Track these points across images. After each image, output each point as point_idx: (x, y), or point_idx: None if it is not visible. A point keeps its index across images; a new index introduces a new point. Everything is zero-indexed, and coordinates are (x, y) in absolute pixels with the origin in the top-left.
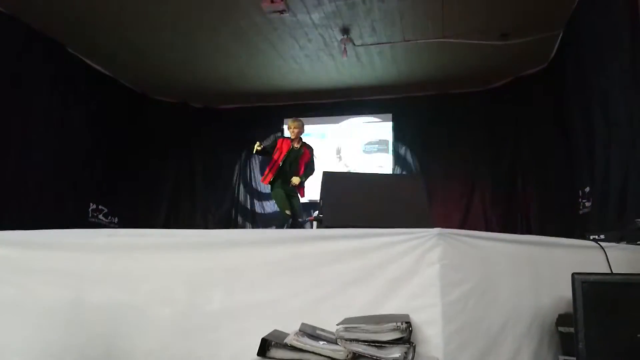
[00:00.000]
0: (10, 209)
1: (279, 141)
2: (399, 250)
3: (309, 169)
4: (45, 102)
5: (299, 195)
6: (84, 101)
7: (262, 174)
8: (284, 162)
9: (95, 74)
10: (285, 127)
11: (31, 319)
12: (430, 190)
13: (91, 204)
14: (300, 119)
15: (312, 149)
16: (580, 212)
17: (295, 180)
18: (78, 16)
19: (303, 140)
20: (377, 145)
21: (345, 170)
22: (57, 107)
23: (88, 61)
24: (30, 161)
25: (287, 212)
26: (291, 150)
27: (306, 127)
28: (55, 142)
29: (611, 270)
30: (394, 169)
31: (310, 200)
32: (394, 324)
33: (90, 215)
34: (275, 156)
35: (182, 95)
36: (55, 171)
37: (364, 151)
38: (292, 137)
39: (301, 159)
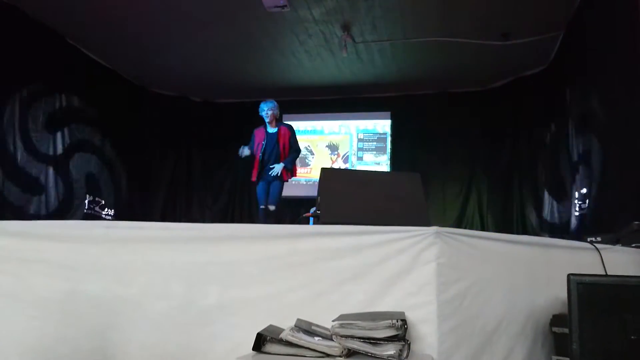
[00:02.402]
0: (6, 200)
1: (256, 134)
2: (395, 248)
3: (293, 151)
4: (43, 93)
5: (282, 179)
6: (82, 93)
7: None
8: (263, 153)
9: (94, 66)
10: (263, 113)
11: (26, 310)
12: (427, 188)
13: (88, 196)
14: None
15: (291, 127)
16: (577, 213)
17: (278, 168)
18: (78, 7)
19: (279, 122)
20: (375, 143)
21: (343, 167)
22: (55, 98)
23: (87, 53)
24: (27, 152)
25: (262, 206)
26: (267, 136)
27: (305, 123)
28: (52, 133)
29: (606, 272)
30: (391, 167)
31: (305, 196)
32: (390, 321)
33: (86, 207)
34: (257, 151)
35: (182, 89)
36: (51, 162)
37: (362, 148)
38: (268, 121)
39: (280, 140)
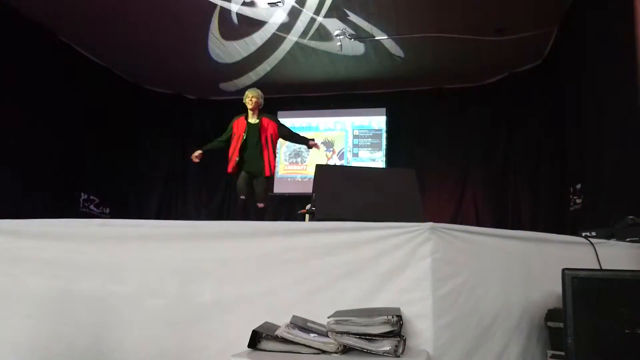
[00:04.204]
0: (0, 197)
1: (234, 125)
2: (391, 244)
3: (288, 132)
4: (38, 91)
5: (263, 177)
6: (77, 91)
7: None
8: (244, 144)
9: (88, 64)
10: (247, 100)
11: (21, 308)
12: (422, 184)
13: (82, 194)
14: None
15: (275, 118)
16: (571, 208)
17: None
18: (71, 4)
19: (262, 113)
20: (370, 139)
21: (338, 163)
22: (49, 96)
23: (81, 50)
24: (22, 150)
25: (242, 197)
26: (248, 127)
27: (300, 119)
28: (47, 131)
29: (600, 267)
30: (387, 163)
31: (300, 193)
32: (385, 317)
33: (81, 205)
34: (234, 141)
35: (176, 86)
36: (46, 160)
37: (357, 145)
38: (250, 108)
39: (262, 132)
